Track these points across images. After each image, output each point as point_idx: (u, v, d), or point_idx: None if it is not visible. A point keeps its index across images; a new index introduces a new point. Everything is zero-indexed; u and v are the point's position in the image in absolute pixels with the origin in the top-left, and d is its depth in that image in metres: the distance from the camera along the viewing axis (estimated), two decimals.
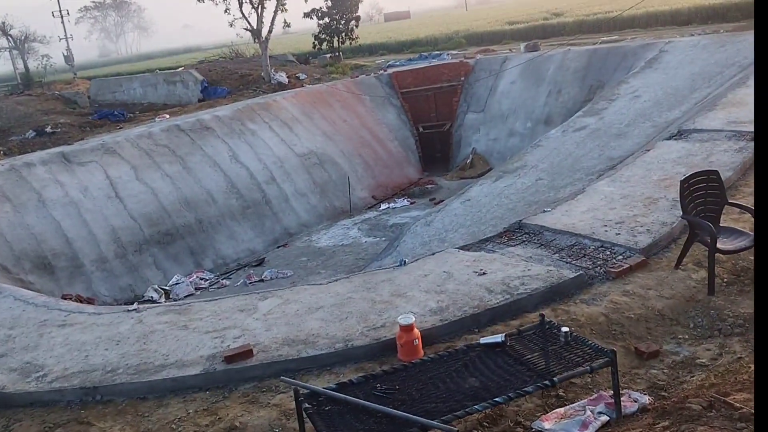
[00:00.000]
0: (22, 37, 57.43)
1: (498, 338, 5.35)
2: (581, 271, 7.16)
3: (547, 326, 5.50)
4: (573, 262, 7.45)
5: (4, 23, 56.69)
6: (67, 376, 6.37)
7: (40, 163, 17.71)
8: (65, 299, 13.46)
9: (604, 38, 28.44)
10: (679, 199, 7.08)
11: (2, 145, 23.29)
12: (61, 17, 56.36)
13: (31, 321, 7.78)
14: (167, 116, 24.36)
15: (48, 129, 25.86)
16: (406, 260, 8.11)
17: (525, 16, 52.24)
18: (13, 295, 8.77)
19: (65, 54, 55.47)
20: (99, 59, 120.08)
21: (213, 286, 16.24)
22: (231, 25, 31.63)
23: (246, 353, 6.27)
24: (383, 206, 21.18)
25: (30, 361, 6.78)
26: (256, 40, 31.84)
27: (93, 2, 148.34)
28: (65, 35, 56.35)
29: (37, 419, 5.95)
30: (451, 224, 13.71)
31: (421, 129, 25.96)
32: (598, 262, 7.41)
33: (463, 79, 26.11)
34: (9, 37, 56.61)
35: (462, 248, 8.39)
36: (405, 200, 21.45)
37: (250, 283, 15.85)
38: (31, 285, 14.21)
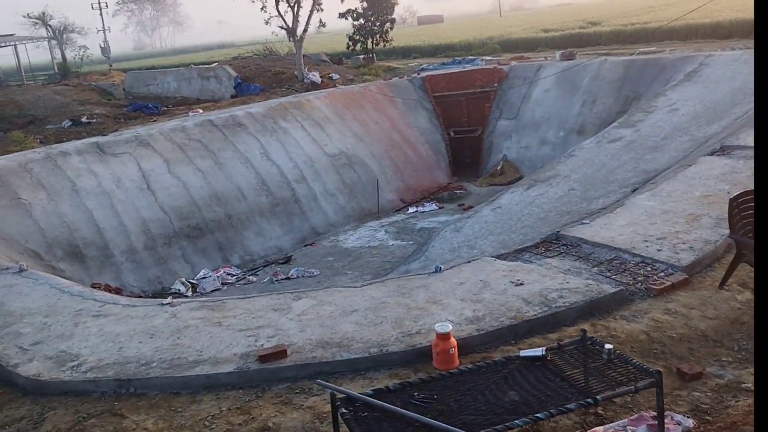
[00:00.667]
0: (61, 28, 58.45)
1: (538, 352, 5.25)
2: (621, 287, 7.01)
3: (589, 342, 5.38)
4: (613, 277, 7.31)
5: (44, 13, 57.74)
6: (102, 367, 6.40)
7: (75, 153, 17.94)
8: (95, 288, 13.62)
9: (642, 49, 28.04)
10: (724, 216, 6.90)
11: (39, 134, 23.68)
12: (100, 9, 57.31)
13: (66, 310, 7.85)
14: (200, 111, 24.57)
15: (83, 119, 26.25)
16: (442, 267, 8.02)
17: (561, 24, 51.79)
18: (50, 282, 8.86)
19: (102, 45, 56.36)
20: (134, 52, 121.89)
21: (239, 282, 16.30)
22: (267, 23, 31.81)
23: (280, 353, 6.24)
24: (411, 210, 21.11)
25: (65, 349, 6.83)
26: (291, 39, 31.99)
27: None
28: (103, 27, 57.25)
29: (71, 408, 5.98)
30: (480, 231, 13.59)
31: (452, 134, 25.84)
32: (639, 278, 7.26)
33: (496, 85, 25.92)
34: (48, 27, 57.61)
35: (498, 257, 8.29)
36: (433, 204, 21.35)
37: (277, 280, 15.88)
38: (62, 272, 14.38)
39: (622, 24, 41.53)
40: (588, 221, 9.21)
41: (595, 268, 7.64)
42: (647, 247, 7.95)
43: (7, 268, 9.65)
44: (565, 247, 8.44)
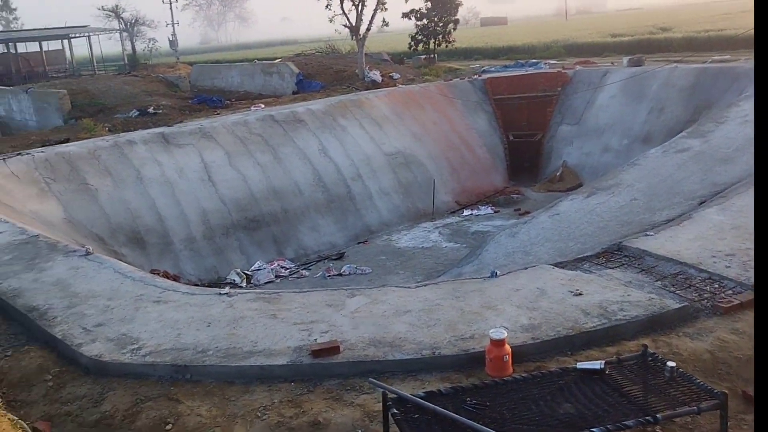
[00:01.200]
0: (133, 21, 60.47)
1: (597, 365, 5.11)
2: (686, 303, 6.76)
3: (650, 358, 5.20)
4: (677, 292, 7.05)
5: (117, 6, 59.87)
6: (160, 352, 6.56)
7: (141, 142, 18.51)
8: (154, 274, 14.02)
9: (715, 57, 27.01)
10: None
11: (108, 122, 24.54)
12: (170, 3, 59.00)
13: (128, 294, 8.09)
14: (262, 106, 24.99)
15: (150, 109, 27.07)
16: (498, 272, 7.91)
17: (629, 29, 50.46)
18: (113, 267, 9.15)
19: (170, 39, 58.06)
20: (200, 46, 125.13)
21: (293, 276, 16.51)
22: (330, 21, 32.11)
23: (333, 349, 6.27)
24: (466, 212, 20.94)
25: (126, 333, 7.04)
26: (354, 37, 32.20)
27: None
28: (172, 21, 58.96)
29: (130, 390, 6.16)
30: (537, 237, 13.36)
31: (511, 137, 25.49)
32: (705, 295, 6.98)
33: (559, 89, 25.44)
34: (121, 20, 59.71)
35: (556, 265, 8.12)
36: (489, 208, 21.13)
37: (329, 276, 16.01)
38: (124, 257, 14.85)
39: (695, 30, 40.15)
40: (652, 233, 8.93)
41: (659, 282, 7.39)
42: (715, 263, 7.64)
43: (74, 251, 10.02)
44: (627, 259, 8.19)
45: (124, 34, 59.55)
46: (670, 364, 4.92)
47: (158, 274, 14.63)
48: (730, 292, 7.02)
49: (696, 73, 22.14)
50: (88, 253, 9.79)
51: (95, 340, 6.93)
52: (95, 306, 7.80)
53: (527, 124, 25.63)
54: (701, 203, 11.57)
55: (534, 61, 34.01)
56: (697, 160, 14.64)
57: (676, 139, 16.84)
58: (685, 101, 21.39)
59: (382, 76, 30.79)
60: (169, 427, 5.58)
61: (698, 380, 4.85)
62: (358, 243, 18.69)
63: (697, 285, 7.24)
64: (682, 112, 21.15)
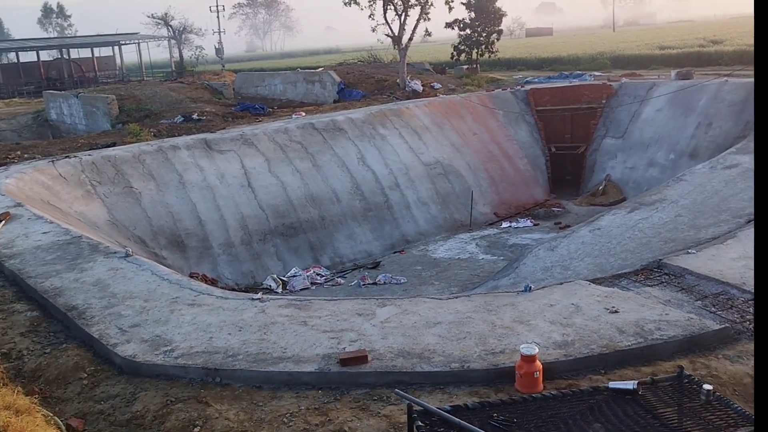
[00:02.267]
0: (181, 29, 61.99)
1: (629, 385, 4.95)
2: (727, 324, 6.53)
3: (686, 380, 5.02)
4: (718, 313, 6.83)
5: (167, 14, 61.44)
6: (192, 355, 6.64)
7: (185, 147, 18.88)
8: (192, 277, 14.24)
9: None
10: None
11: (153, 127, 25.12)
12: (217, 12, 60.23)
13: (164, 296, 8.22)
14: (303, 114, 25.24)
15: (194, 116, 27.60)
16: (532, 286, 7.78)
17: (679, 41, 49.40)
18: (151, 269, 9.32)
19: (216, 47, 59.25)
20: (245, 54, 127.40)
21: (328, 283, 16.56)
22: (373, 30, 32.29)
23: (361, 358, 6.24)
24: (504, 224, 20.72)
25: (160, 334, 7.15)
26: (396, 47, 32.31)
27: (247, 0, 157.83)
28: (218, 29, 60.17)
29: (161, 391, 6.24)
30: (576, 252, 13.12)
31: (553, 149, 25.19)
32: (748, 317, 6.74)
33: (604, 102, 25.04)
34: (169, 27, 61.27)
35: (593, 281, 7.94)
36: (528, 221, 20.87)
37: (364, 284, 16.00)
38: (164, 260, 15.15)
39: (748, 44, 39.00)
40: (694, 251, 8.67)
41: (699, 302, 7.16)
42: None
43: (115, 252, 10.25)
44: (667, 277, 7.97)
45: (172, 41, 61.06)
46: (707, 387, 4.75)
47: (197, 277, 14.88)
48: None
49: (747, 87, 21.53)
50: (127, 255, 10.00)
51: (130, 340, 7.06)
52: (132, 307, 7.95)
53: (570, 137, 25.29)
54: (749, 222, 11.20)
55: (578, 72, 33.59)
56: (745, 177, 14.22)
57: (725, 154, 16.41)
58: (735, 116, 20.81)
59: (423, 85, 30.80)
60: (197, 429, 5.63)
61: (736, 405, 4.66)
62: (394, 252, 18.66)
63: (740, 306, 6.99)
64: (732, 127, 20.58)
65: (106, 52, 58.78)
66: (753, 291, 6.97)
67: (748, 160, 15.03)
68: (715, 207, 12.89)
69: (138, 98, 32.25)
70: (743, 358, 6.11)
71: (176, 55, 60.68)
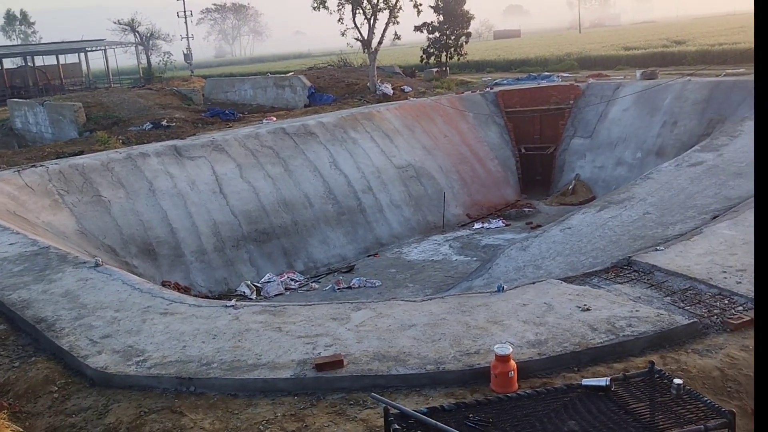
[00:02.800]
0: (148, 34, 61.26)
1: (602, 381, 5.03)
2: (695, 319, 6.67)
3: (657, 375, 5.12)
4: (686, 308, 6.96)
5: (133, 20, 60.68)
6: (165, 364, 6.56)
7: (154, 154, 18.66)
8: (164, 286, 14.07)
9: (729, 71, 26.87)
10: None
11: (122, 135, 24.79)
12: (185, 17, 59.65)
13: (135, 306, 8.12)
14: (274, 119, 25.13)
15: (164, 122, 27.31)
16: (505, 286, 7.85)
17: (643, 42, 50.31)
18: (122, 279, 9.19)
19: (185, 52, 58.65)
20: (214, 59, 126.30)
21: (302, 288, 16.50)
22: (343, 35, 32.29)
23: (337, 363, 6.24)
24: (477, 225, 20.86)
25: (132, 344, 7.05)
26: (365, 51, 32.36)
27: (214, 5, 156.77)
28: (187, 35, 59.59)
29: (134, 402, 6.16)
30: (548, 251, 13.27)
31: (523, 150, 25.45)
32: (715, 311, 6.88)
33: (572, 102, 25.39)
34: (136, 33, 60.51)
35: (565, 280, 8.05)
36: (500, 221, 21.04)
37: (339, 289, 15.98)
38: (135, 269, 14.94)
39: (710, 44, 39.93)
40: (663, 248, 8.84)
41: (668, 298, 7.30)
42: (726, 278, 7.54)
43: (84, 263, 10.08)
44: (636, 274, 8.11)
45: (140, 47, 60.33)
46: (677, 381, 4.84)
47: (169, 285, 14.70)
48: (740, 308, 6.92)
49: (710, 86, 22.02)
50: (97, 265, 9.85)
51: (101, 351, 6.95)
52: (102, 317, 7.83)
53: (539, 137, 25.58)
54: (714, 217, 11.46)
55: (546, 73, 34.00)
56: (710, 174, 14.53)
57: (690, 152, 16.74)
58: (699, 115, 21.25)
59: (393, 89, 30.90)
60: None
61: (706, 398, 4.76)
62: (368, 256, 18.66)
63: (707, 301, 7.14)
64: (696, 125, 21.02)
65: (71, 59, 57.77)
66: (725, 288, 7.12)
67: (711, 158, 15.37)
68: (682, 204, 13.14)
69: (105, 105, 31.80)
70: (711, 351, 6.25)
71: (144, 61, 59.96)
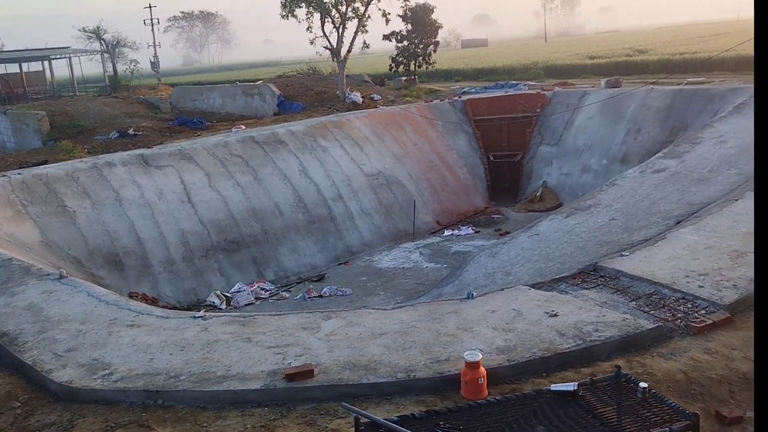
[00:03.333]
0: (114, 42, 60.35)
1: (570, 386, 5.10)
2: (660, 323, 6.80)
3: (623, 379, 5.21)
4: (651, 312, 7.10)
5: (99, 28, 59.75)
6: (132, 377, 6.46)
7: (121, 164, 18.39)
8: (132, 297, 13.85)
9: (690, 79, 27.56)
10: None
11: (87, 144, 24.38)
12: (152, 25, 59.05)
13: (101, 318, 7.97)
14: (243, 127, 24.98)
15: (130, 131, 26.94)
16: (474, 293, 7.91)
17: (607, 51, 51.30)
18: (87, 291, 9.03)
19: (152, 60, 57.97)
20: (182, 67, 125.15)
21: (273, 298, 16.39)
22: (312, 43, 32.29)
23: (307, 373, 6.21)
24: (447, 232, 20.99)
25: (98, 358, 6.92)
26: (335, 59, 32.39)
27: (182, 13, 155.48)
28: (154, 42, 58.95)
29: (100, 417, 6.04)
30: (517, 258, 13.40)
31: (491, 158, 25.70)
32: (679, 315, 7.03)
33: (538, 110, 25.75)
34: (102, 41, 59.58)
35: (533, 286, 8.13)
36: (469, 228, 21.20)
37: (309, 297, 15.91)
38: (101, 280, 14.68)
39: (671, 53, 40.91)
40: (628, 253, 9.00)
41: (633, 303, 7.43)
42: (688, 282, 7.71)
43: (48, 275, 9.88)
44: (602, 279, 8.24)
45: (106, 55, 59.40)
46: (643, 384, 4.93)
47: (136, 297, 14.47)
48: (703, 311, 7.08)
49: (672, 94, 22.53)
50: (62, 277, 9.66)
51: (66, 365, 6.81)
52: (67, 331, 7.68)
53: (507, 145, 25.86)
54: (678, 223, 11.70)
55: (514, 82, 34.43)
56: (673, 181, 14.84)
57: (653, 159, 17.08)
58: (662, 122, 21.72)
59: (362, 97, 30.97)
60: None
61: (670, 401, 4.85)
62: (339, 264, 18.62)
63: (671, 305, 7.29)
64: (659, 132, 21.48)
65: (35, 67, 56.62)
66: (688, 292, 7.26)
67: (674, 164, 15.71)
68: (646, 210, 13.39)
69: (70, 114, 31.25)
70: (676, 355, 6.37)
71: (110, 69, 59.02)
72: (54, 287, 9.19)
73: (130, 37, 63.36)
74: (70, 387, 6.41)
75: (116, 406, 6.17)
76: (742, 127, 17.29)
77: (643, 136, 21.87)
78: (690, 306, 7.22)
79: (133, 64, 59.65)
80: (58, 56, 54.30)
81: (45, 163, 19.85)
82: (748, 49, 32.35)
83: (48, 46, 55.99)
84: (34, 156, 22.74)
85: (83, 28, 60.25)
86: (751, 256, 8.28)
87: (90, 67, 68.40)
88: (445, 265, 17.39)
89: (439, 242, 20.00)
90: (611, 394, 5.10)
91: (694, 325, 6.77)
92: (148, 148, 20.89)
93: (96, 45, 60.49)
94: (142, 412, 6.06)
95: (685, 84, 25.29)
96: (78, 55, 56.28)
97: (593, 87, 27.70)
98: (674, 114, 21.64)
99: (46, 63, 55.25)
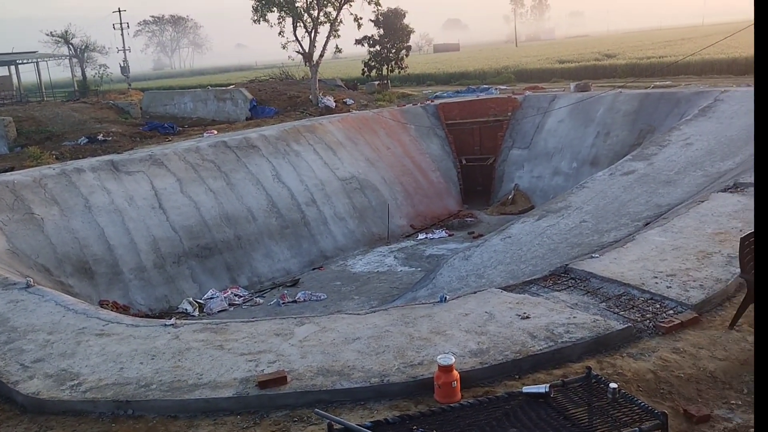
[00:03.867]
0: (83, 47, 59.44)
1: (542, 388, 5.14)
2: (629, 324, 6.90)
3: (594, 380, 5.27)
4: (621, 313, 7.20)
5: (67, 32, 58.80)
6: (101, 387, 6.35)
7: (90, 170, 18.10)
8: (102, 305, 13.63)
9: (657, 83, 28.07)
10: (736, 255, 6.81)
11: (55, 150, 23.96)
12: (122, 30, 58.29)
13: (69, 327, 7.83)
14: (215, 132, 24.77)
15: (100, 137, 26.54)
16: (447, 297, 7.94)
17: (576, 55, 52.05)
18: (55, 299, 8.86)
19: (122, 65, 57.24)
20: (153, 72, 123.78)
21: (246, 304, 16.26)
22: (284, 48, 32.16)
23: (280, 380, 6.17)
24: (421, 236, 21.05)
25: (66, 368, 6.80)
26: (307, 64, 32.32)
27: (152, 17, 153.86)
28: (123, 47, 58.20)
29: (68, 428, 5.93)
30: (489, 260, 13.51)
31: (464, 161, 25.87)
32: (648, 315, 7.14)
33: (510, 114, 25.99)
34: (70, 46, 58.64)
35: (505, 289, 8.20)
36: (443, 231, 21.29)
37: (284, 303, 15.82)
38: (71, 288, 14.42)
39: (638, 57, 41.65)
40: (597, 255, 9.12)
41: (603, 304, 7.53)
42: (657, 283, 7.84)
43: (15, 284, 9.68)
44: (573, 281, 8.33)
45: (74, 60, 58.45)
46: (613, 385, 4.99)
47: (107, 305, 14.24)
48: (671, 312, 7.20)
49: (639, 98, 22.93)
50: (29, 286, 9.47)
51: (33, 376, 6.67)
52: (34, 341, 7.53)
53: (479, 149, 26.06)
54: (646, 224, 11.90)
55: (485, 86, 34.73)
56: (641, 183, 15.10)
57: (622, 162, 17.36)
58: (630, 125, 22.09)
59: (335, 101, 30.94)
60: None
61: (640, 401, 4.92)
62: (313, 269, 18.55)
63: (640, 306, 7.40)
64: (627, 135, 21.83)
65: (1, 71, 55.49)
66: (656, 293, 7.38)
67: (642, 167, 15.98)
68: (616, 211, 13.61)
69: (38, 120, 30.65)
70: (645, 355, 6.47)
71: (78, 74, 58.09)
72: (21, 296, 9.01)
73: (100, 42, 62.48)
74: (37, 398, 6.28)
75: (85, 417, 6.07)
76: (707, 130, 17.66)
77: (612, 139, 22.21)
78: (658, 306, 7.34)
79: (103, 68, 58.82)
80: (25, 61, 53.27)
81: (12, 169, 19.46)
82: (713, 53, 33.10)
83: (14, 51, 54.91)
84: (0, 162, 22.26)
85: (51, 32, 59.28)
86: (717, 257, 8.48)
87: (58, 71, 67.19)
88: (419, 269, 17.43)
89: (413, 246, 20.04)
90: (582, 395, 5.15)
91: (662, 325, 6.88)
92: (118, 153, 20.59)
93: (64, 49, 59.51)
94: (111, 423, 5.97)
95: (652, 88, 25.76)
96: (46, 59, 55.29)
97: (563, 91, 28.07)
98: (642, 117, 22.02)
99: (12, 68, 54.14)
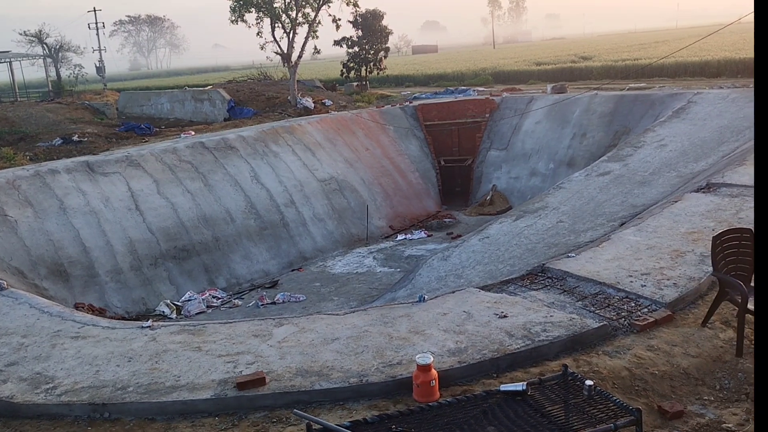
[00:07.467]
0: (57, 46, 58.63)
1: (519, 386, 5.20)
2: (605, 322, 6.99)
3: (570, 378, 5.34)
4: (596, 312, 7.30)
5: (41, 32, 57.97)
6: (77, 390, 6.28)
7: (65, 171, 17.86)
8: (78, 308, 13.47)
9: (632, 85, 28.44)
10: (708, 254, 6.94)
11: (29, 151, 23.59)
12: (97, 30, 57.60)
13: (44, 330, 7.73)
14: (192, 133, 24.59)
15: (75, 137, 26.17)
16: (426, 296, 7.98)
17: (553, 57, 52.52)
18: (29, 302, 8.74)
19: (97, 65, 56.55)
20: (129, 72, 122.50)
21: (225, 305, 16.16)
22: (262, 48, 32.02)
23: (258, 381, 6.15)
24: (400, 237, 21.09)
25: (41, 371, 6.71)
26: (285, 64, 32.22)
27: (128, 17, 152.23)
28: (99, 47, 57.50)
29: None
30: (468, 261, 13.59)
31: (442, 162, 25.98)
32: (623, 314, 7.24)
33: (487, 115, 26.16)
34: (44, 45, 57.82)
35: (483, 288, 8.26)
36: (422, 232, 21.36)
37: (262, 305, 15.75)
38: (45, 291, 14.22)
39: (614, 59, 42.14)
40: (574, 254, 9.23)
41: (579, 303, 7.63)
42: (632, 282, 7.95)
43: None
44: (550, 280, 8.43)
45: (48, 60, 57.61)
46: (588, 382, 5.07)
47: (82, 308, 14.06)
48: (645, 310, 7.31)
49: (615, 99, 23.22)
50: (2, 289, 9.32)
51: (7, 380, 6.58)
52: (8, 344, 7.42)
53: (458, 150, 26.19)
54: (622, 224, 12.06)
55: (463, 88, 34.89)
56: (617, 183, 15.30)
57: (598, 163, 17.57)
58: (606, 126, 22.36)
59: (314, 102, 30.89)
60: None
61: (615, 397, 5.00)
62: (292, 270, 18.50)
63: (615, 304, 7.51)
64: (603, 137, 22.09)
65: None
66: (631, 291, 7.49)
67: (618, 168, 16.19)
68: (592, 212, 13.77)
69: (11, 120, 30.15)
70: (620, 352, 6.56)
71: (53, 74, 57.25)
72: None
73: (75, 41, 61.68)
74: (11, 402, 6.19)
75: (60, 421, 6.00)
76: (680, 131, 17.95)
77: (588, 140, 22.46)
78: (633, 305, 7.45)
79: (78, 69, 58.07)
80: None
81: None
82: (686, 56, 33.63)
83: None
84: None
85: (25, 31, 58.39)
86: (690, 256, 8.63)
87: (32, 71, 66.17)
88: (398, 270, 17.47)
89: (392, 246, 20.08)
90: (559, 392, 5.22)
91: (637, 323, 6.99)
92: (94, 154, 20.35)
93: (38, 49, 58.66)
94: (87, 426, 5.90)
95: (628, 89, 26.10)
96: (19, 59, 54.44)
97: (540, 92, 28.31)
98: (617, 118, 22.30)
99: None
